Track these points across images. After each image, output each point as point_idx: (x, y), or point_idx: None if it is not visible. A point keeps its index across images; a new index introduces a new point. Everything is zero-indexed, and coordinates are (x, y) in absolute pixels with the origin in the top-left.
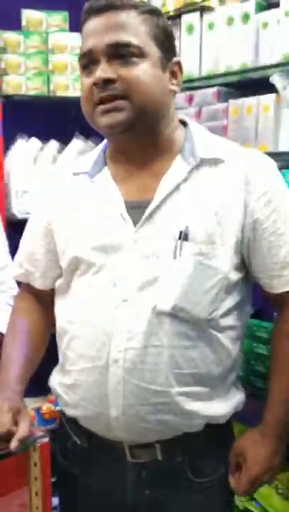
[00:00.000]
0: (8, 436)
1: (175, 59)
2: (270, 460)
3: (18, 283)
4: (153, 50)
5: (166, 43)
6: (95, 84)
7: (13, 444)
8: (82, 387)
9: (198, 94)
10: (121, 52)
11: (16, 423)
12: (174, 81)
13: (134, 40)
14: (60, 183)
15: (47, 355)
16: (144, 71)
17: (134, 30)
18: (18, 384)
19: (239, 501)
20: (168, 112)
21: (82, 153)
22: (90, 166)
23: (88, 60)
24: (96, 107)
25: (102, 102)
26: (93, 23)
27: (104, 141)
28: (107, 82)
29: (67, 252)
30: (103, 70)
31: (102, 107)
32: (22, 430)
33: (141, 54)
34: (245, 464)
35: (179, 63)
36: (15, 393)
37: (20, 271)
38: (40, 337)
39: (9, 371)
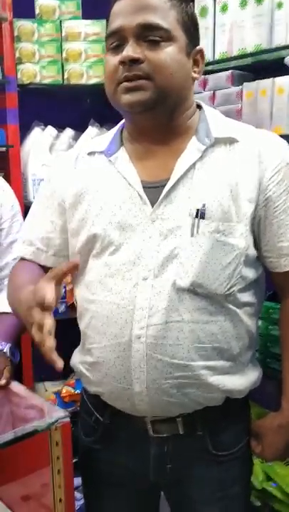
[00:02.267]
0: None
1: (198, 47)
2: (284, 450)
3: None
4: (180, 36)
5: (193, 30)
6: (121, 62)
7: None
8: (105, 364)
9: (212, 78)
10: (150, 34)
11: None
12: (196, 69)
13: (163, 24)
14: (74, 162)
15: (65, 340)
16: (170, 55)
17: (165, 13)
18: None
19: (256, 482)
20: (188, 98)
21: None
22: (106, 145)
23: (116, 39)
24: (119, 85)
25: (126, 80)
26: (125, 3)
27: (121, 122)
28: (134, 62)
29: (83, 231)
30: (132, 50)
31: (126, 84)
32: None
33: (169, 38)
34: (262, 447)
35: (201, 51)
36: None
37: (30, 249)
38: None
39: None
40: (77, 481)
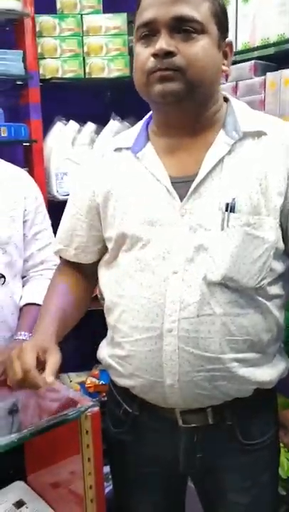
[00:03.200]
0: (33, 377)
1: (228, 40)
2: None
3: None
4: (213, 28)
5: (224, 23)
6: (154, 55)
7: (48, 378)
8: (137, 358)
9: (234, 69)
10: (184, 27)
11: (41, 363)
12: (226, 61)
13: (197, 16)
14: (102, 159)
15: (89, 332)
16: (203, 48)
17: (199, 6)
18: (51, 326)
19: (282, 471)
20: (217, 91)
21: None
22: (132, 141)
23: (148, 30)
24: (150, 75)
25: (158, 70)
26: None
27: (146, 116)
28: (168, 54)
29: (113, 228)
30: (166, 43)
31: (159, 73)
32: (52, 363)
33: (202, 30)
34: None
35: (231, 44)
36: (46, 335)
37: (60, 246)
38: (78, 300)
39: (44, 320)
40: (105, 469)
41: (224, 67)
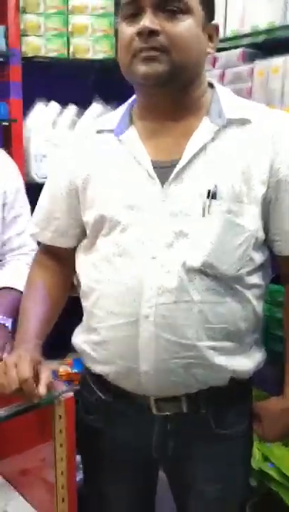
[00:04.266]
0: (31, 387)
1: (214, 22)
2: (286, 432)
3: (38, 243)
4: (198, 9)
5: (210, 4)
6: (138, 34)
7: (41, 389)
8: (113, 344)
9: (222, 56)
10: (168, 6)
11: (36, 374)
12: (211, 44)
13: None
14: (83, 141)
15: (64, 318)
16: (187, 28)
17: None
18: (36, 338)
19: (253, 462)
20: (202, 74)
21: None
22: (116, 123)
23: (133, 8)
24: (134, 56)
25: (141, 51)
26: None
27: (130, 99)
28: (152, 33)
29: (92, 211)
30: (150, 21)
31: (144, 54)
32: (46, 376)
33: (186, 10)
34: (263, 429)
35: (217, 27)
36: (34, 346)
37: (37, 229)
38: (57, 296)
39: (28, 326)
40: (77, 458)
41: (209, 50)
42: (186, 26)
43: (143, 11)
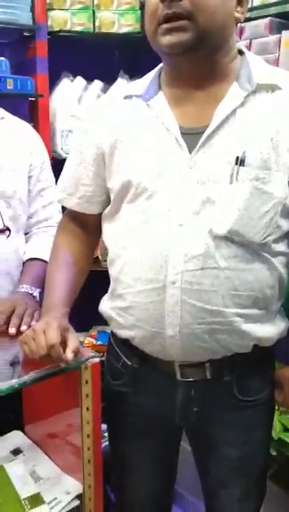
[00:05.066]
0: (58, 352)
1: None
2: None
3: (63, 209)
4: None
5: None
6: (162, 0)
7: (69, 355)
8: (139, 309)
9: (249, 26)
10: None
11: (64, 341)
12: (240, 9)
13: None
14: (110, 107)
15: (88, 292)
16: None
17: None
18: (63, 306)
19: (273, 432)
20: (230, 40)
21: None
22: (144, 89)
23: None
24: (159, 25)
25: (166, 21)
26: None
27: (159, 65)
28: None
29: (118, 176)
30: None
31: (166, 25)
32: (73, 342)
33: None
34: (284, 396)
35: None
36: (61, 313)
37: (64, 195)
38: (82, 262)
39: (54, 294)
40: (102, 426)
41: (238, 15)
42: None
43: None
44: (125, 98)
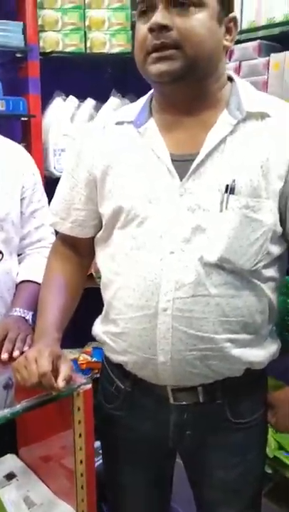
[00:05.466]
0: (50, 380)
1: (231, 15)
2: None
3: (56, 233)
4: (211, 2)
5: None
6: (150, 30)
7: (60, 383)
8: (131, 335)
9: (238, 48)
10: (180, 0)
11: (56, 368)
12: (229, 37)
13: None
14: (102, 132)
15: (83, 309)
16: (200, 22)
17: None
18: (56, 331)
19: (268, 450)
20: (219, 67)
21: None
22: (135, 115)
23: (146, 5)
24: (149, 54)
25: (155, 50)
26: None
27: (150, 91)
28: (163, 28)
29: (110, 202)
30: (160, 16)
31: (155, 55)
32: (65, 371)
33: (199, 4)
34: (277, 419)
35: (235, 19)
36: (54, 340)
37: (56, 219)
38: (74, 286)
39: (46, 320)
40: (95, 443)
41: (226, 43)
42: (198, 20)
43: (156, 7)
44: (117, 124)
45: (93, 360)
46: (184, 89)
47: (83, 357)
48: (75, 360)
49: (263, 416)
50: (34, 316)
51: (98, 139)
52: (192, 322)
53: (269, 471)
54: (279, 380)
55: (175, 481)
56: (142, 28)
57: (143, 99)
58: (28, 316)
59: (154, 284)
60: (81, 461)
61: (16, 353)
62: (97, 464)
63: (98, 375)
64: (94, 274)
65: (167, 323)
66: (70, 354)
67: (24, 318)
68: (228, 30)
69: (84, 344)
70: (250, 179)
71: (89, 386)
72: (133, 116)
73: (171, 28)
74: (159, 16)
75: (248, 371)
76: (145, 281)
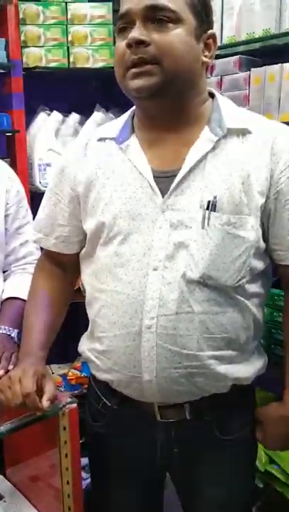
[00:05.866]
0: (33, 401)
1: (210, 31)
2: (285, 441)
3: (41, 249)
4: (189, 18)
5: (203, 13)
6: (128, 45)
7: (45, 403)
8: (116, 353)
9: (219, 63)
10: (157, 16)
11: (40, 388)
12: (208, 53)
13: (171, 5)
14: (85, 149)
15: (72, 324)
16: (178, 37)
17: None
18: (41, 350)
19: (260, 464)
20: (199, 83)
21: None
22: (117, 132)
23: (125, 22)
24: (128, 70)
25: (134, 66)
26: None
27: (132, 108)
28: (140, 44)
29: (93, 219)
30: (138, 32)
31: (134, 70)
32: (49, 390)
33: (176, 20)
34: (264, 436)
35: (213, 36)
36: (38, 359)
37: (40, 235)
38: (60, 303)
39: (32, 338)
40: (84, 461)
41: (205, 59)
42: (176, 35)
43: (134, 23)
44: (99, 140)
45: (82, 375)
46: (163, 104)
47: (72, 372)
48: (64, 376)
49: (251, 431)
50: (20, 334)
51: (81, 156)
52: (176, 339)
53: (260, 485)
54: (270, 392)
55: (166, 499)
56: (121, 44)
57: (125, 116)
58: (14, 334)
59: (138, 301)
60: (68, 482)
61: (0, 372)
62: (86, 481)
63: (86, 391)
64: (82, 288)
65: (151, 341)
66: (60, 369)
67: (9, 335)
68: (207, 47)
69: (73, 359)
70: (232, 196)
71: (74, 405)
72: (115, 132)
73: (149, 43)
74: (136, 32)
75: (234, 387)
76: (129, 299)
